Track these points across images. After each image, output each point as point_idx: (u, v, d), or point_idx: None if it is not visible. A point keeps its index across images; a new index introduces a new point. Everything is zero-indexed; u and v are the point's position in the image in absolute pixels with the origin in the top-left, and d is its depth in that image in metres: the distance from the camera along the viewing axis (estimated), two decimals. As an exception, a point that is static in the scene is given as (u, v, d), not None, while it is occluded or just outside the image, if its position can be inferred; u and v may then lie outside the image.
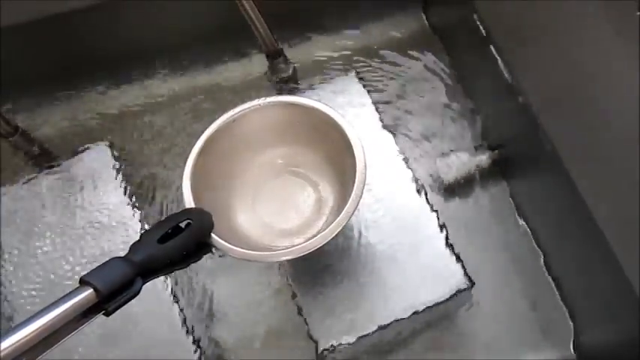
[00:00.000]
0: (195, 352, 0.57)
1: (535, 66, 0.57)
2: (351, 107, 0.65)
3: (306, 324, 0.54)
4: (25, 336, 0.33)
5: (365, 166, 0.49)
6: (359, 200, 0.47)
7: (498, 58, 0.60)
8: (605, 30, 0.47)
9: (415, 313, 0.54)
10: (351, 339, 0.54)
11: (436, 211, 0.59)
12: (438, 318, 0.60)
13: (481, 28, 0.62)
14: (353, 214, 0.47)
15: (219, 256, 0.64)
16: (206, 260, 0.64)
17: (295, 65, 0.73)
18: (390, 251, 0.57)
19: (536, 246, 0.64)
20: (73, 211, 0.64)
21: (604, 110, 0.47)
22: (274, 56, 0.70)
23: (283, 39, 0.72)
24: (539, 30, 0.55)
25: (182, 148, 0.70)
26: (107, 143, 0.68)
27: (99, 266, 0.39)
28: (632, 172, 0.44)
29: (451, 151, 0.68)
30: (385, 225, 0.58)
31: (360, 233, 0.58)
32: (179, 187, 0.50)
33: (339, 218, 0.47)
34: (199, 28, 0.75)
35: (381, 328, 0.54)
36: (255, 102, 0.53)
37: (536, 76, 0.56)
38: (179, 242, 0.43)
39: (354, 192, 0.48)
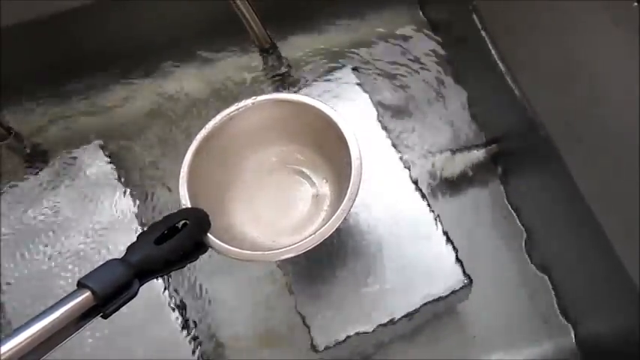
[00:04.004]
0: (195, 352, 0.57)
1: (532, 59, 0.56)
2: (346, 103, 0.65)
3: (305, 322, 0.54)
4: (24, 340, 0.34)
5: (360, 163, 0.49)
6: (355, 198, 0.47)
7: (494, 51, 0.60)
8: (603, 20, 0.46)
9: (414, 310, 0.54)
10: (350, 337, 0.53)
11: (432, 207, 0.59)
12: (436, 314, 0.60)
13: (477, 21, 0.62)
14: (349, 211, 0.47)
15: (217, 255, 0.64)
16: (204, 260, 0.64)
17: (290, 61, 0.73)
18: (388, 249, 0.56)
19: (533, 242, 0.64)
20: (68, 212, 0.64)
21: (603, 102, 0.47)
22: (268, 53, 0.70)
23: (277, 35, 0.72)
24: (536, 22, 0.55)
25: (178, 147, 0.70)
26: (101, 143, 0.68)
27: (96, 268, 0.39)
28: (631, 165, 0.44)
29: (448, 147, 0.68)
30: (382, 222, 0.58)
31: (357, 231, 0.58)
32: (175, 187, 0.50)
33: (334, 216, 0.47)
34: (193, 27, 0.74)
35: (380, 325, 0.54)
36: (249, 100, 0.53)
37: (533, 69, 0.56)
38: (176, 243, 0.43)
39: (349, 189, 0.48)
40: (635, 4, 0.44)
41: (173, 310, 0.59)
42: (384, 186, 0.60)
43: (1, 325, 0.59)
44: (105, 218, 0.63)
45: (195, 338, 0.58)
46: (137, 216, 0.63)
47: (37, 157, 0.71)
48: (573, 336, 0.60)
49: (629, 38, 0.44)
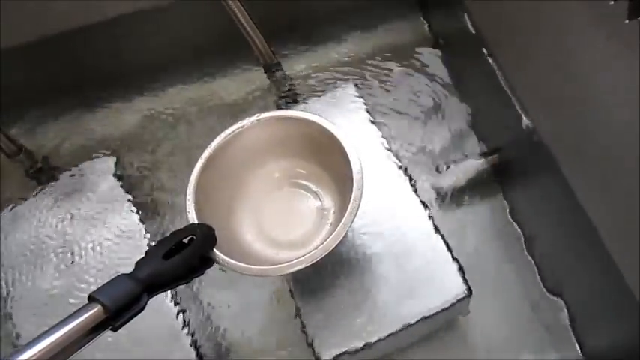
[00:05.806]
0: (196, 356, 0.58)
1: (530, 71, 0.57)
2: (349, 118, 0.66)
3: (307, 334, 0.55)
4: (38, 352, 0.35)
5: (362, 177, 0.50)
6: (356, 212, 0.48)
7: (495, 66, 0.61)
8: (597, 34, 0.47)
9: (416, 322, 0.54)
10: (352, 349, 0.54)
11: (433, 218, 0.60)
12: (439, 325, 0.61)
13: (478, 37, 0.62)
14: (350, 225, 0.48)
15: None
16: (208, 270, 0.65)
17: (293, 78, 0.74)
18: (390, 261, 0.57)
19: (534, 251, 0.65)
20: (77, 227, 0.65)
21: (598, 113, 0.48)
22: (272, 69, 0.71)
23: (281, 52, 0.73)
24: (533, 35, 0.56)
25: (184, 164, 0.71)
26: (109, 160, 0.69)
27: (106, 283, 0.40)
28: (630, 177, 0.45)
29: (450, 158, 0.69)
30: (384, 235, 0.59)
31: (360, 244, 0.59)
32: (182, 203, 0.51)
33: (335, 232, 0.48)
34: (199, 45, 0.76)
35: (382, 337, 0.54)
36: (253, 118, 0.55)
37: (531, 81, 0.57)
38: (183, 258, 0.44)
39: (350, 204, 0.48)
40: (627, 20, 0.44)
41: (176, 315, 0.59)
42: (385, 198, 0.60)
43: (2, 338, 0.60)
44: (113, 233, 0.64)
45: (197, 345, 0.59)
46: (145, 231, 0.64)
47: (46, 173, 0.72)
48: (577, 347, 0.60)
49: (624, 53, 0.45)
